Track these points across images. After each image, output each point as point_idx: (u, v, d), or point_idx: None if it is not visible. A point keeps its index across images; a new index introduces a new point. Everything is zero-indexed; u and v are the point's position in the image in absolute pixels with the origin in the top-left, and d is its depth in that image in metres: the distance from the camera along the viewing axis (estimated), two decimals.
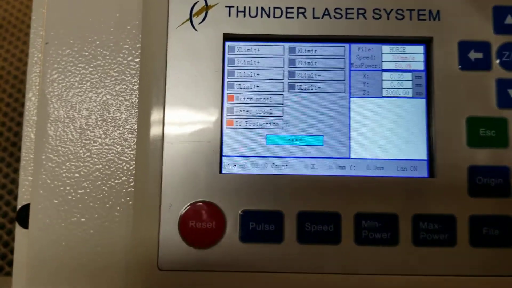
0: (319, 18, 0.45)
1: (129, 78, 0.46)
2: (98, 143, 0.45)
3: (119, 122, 0.45)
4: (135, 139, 0.44)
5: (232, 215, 0.42)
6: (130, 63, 0.46)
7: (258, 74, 0.45)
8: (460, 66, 0.44)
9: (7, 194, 0.71)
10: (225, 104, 0.44)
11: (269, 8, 0.45)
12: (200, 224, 0.42)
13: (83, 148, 0.45)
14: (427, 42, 0.45)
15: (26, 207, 0.45)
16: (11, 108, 0.75)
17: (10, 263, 0.70)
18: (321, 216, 0.43)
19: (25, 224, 0.44)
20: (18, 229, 0.45)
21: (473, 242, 0.43)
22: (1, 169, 0.72)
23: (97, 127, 0.45)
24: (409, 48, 0.46)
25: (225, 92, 0.45)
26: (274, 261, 0.42)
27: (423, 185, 0.43)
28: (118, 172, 0.45)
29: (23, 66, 0.75)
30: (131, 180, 0.44)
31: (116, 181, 0.45)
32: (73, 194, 0.44)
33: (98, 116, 0.45)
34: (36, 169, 0.44)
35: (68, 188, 0.44)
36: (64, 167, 0.44)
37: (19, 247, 0.45)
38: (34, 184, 0.44)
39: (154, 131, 0.43)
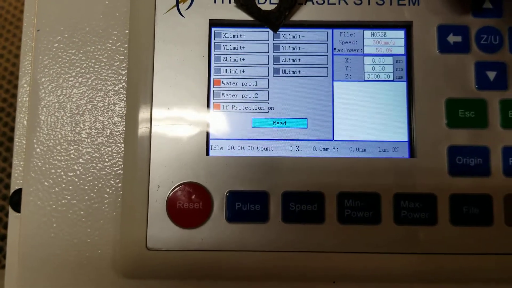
0: (302, 3, 0.44)
1: (118, 63, 0.45)
2: (87, 126, 0.44)
3: (108, 106, 0.44)
4: (124, 122, 0.43)
5: (218, 196, 0.41)
6: (119, 48, 0.45)
7: (243, 59, 0.44)
8: (439, 50, 0.43)
9: (4, 188, 0.70)
10: (212, 88, 0.43)
11: None
12: (188, 204, 0.41)
13: (73, 132, 0.44)
14: (407, 27, 0.44)
15: (19, 192, 0.43)
16: (7, 103, 0.74)
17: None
18: (305, 196, 0.42)
19: (17, 208, 0.43)
20: (11, 213, 0.44)
21: (454, 220, 0.42)
22: None
23: (87, 111, 0.44)
24: (390, 33, 0.45)
25: (212, 76, 0.44)
26: (259, 240, 0.41)
27: (404, 165, 0.42)
28: (107, 155, 0.44)
29: (19, 62, 0.74)
30: (120, 162, 0.43)
31: (106, 163, 0.44)
32: (64, 176, 0.43)
33: (87, 101, 0.44)
34: (28, 153, 0.43)
35: (59, 171, 0.43)
36: (55, 150, 0.43)
37: (12, 231, 0.44)
38: (26, 167, 0.43)
39: (142, 114, 0.42)
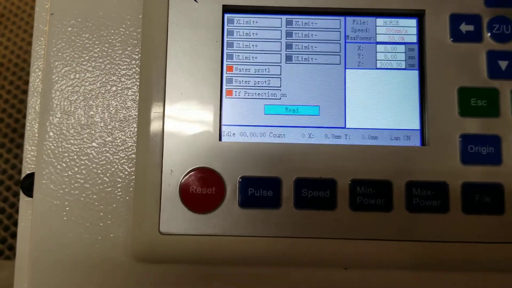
0: None
1: (131, 48, 0.44)
2: (100, 111, 0.43)
3: (121, 90, 0.43)
4: (137, 107, 0.42)
5: (231, 182, 0.41)
6: (132, 33, 0.44)
7: (256, 46, 0.43)
8: (452, 39, 0.43)
9: (8, 179, 0.70)
10: (225, 75, 0.43)
11: None
12: (201, 189, 0.40)
13: (86, 116, 0.43)
14: (419, 15, 0.44)
15: (30, 176, 0.42)
16: (12, 95, 0.73)
17: (10, 248, 0.68)
18: (318, 182, 0.41)
19: (29, 193, 0.42)
20: (22, 198, 0.43)
21: (466, 209, 0.41)
22: (2, 155, 0.71)
23: (100, 96, 0.43)
24: (402, 21, 0.44)
25: (225, 62, 0.43)
26: (271, 226, 0.40)
27: (416, 153, 0.41)
28: (120, 139, 0.43)
29: (23, 54, 0.73)
30: (133, 147, 0.42)
31: (119, 147, 0.43)
32: (77, 160, 0.42)
33: (101, 85, 0.43)
34: (41, 136, 0.42)
35: (72, 154, 0.42)
36: (68, 134, 0.43)
37: (23, 216, 0.43)
38: (39, 150, 0.42)
39: (155, 99, 0.41)
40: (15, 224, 0.71)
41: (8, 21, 0.76)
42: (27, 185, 0.43)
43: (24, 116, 0.70)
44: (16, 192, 0.72)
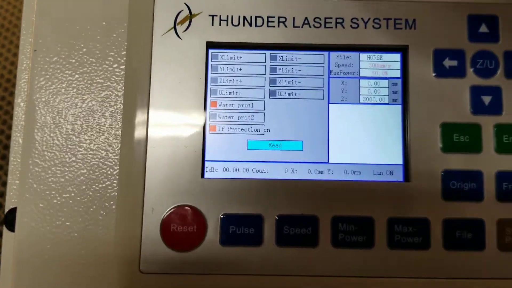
0: (299, 27, 0.43)
1: (114, 84, 0.44)
2: (83, 148, 0.43)
3: (104, 127, 0.43)
4: (119, 144, 0.42)
5: (213, 219, 0.41)
6: (116, 70, 0.44)
7: (240, 81, 0.43)
8: (435, 74, 0.43)
9: None
10: (208, 110, 0.43)
11: (251, 17, 0.44)
12: (182, 227, 0.41)
13: (69, 153, 0.43)
14: (403, 50, 0.44)
15: (14, 210, 0.43)
16: (3, 111, 0.72)
17: None
18: (300, 219, 0.41)
19: (12, 227, 0.42)
20: (6, 232, 0.43)
21: (447, 245, 0.41)
22: None
23: (83, 133, 0.43)
24: (386, 56, 0.44)
25: (208, 98, 0.43)
26: (253, 263, 0.41)
27: (399, 189, 0.42)
28: (102, 176, 0.43)
29: (15, 70, 0.73)
30: (114, 184, 0.42)
31: (100, 185, 0.43)
32: (58, 198, 0.42)
33: (83, 122, 0.43)
34: (23, 173, 0.42)
35: (53, 192, 0.42)
36: (50, 171, 0.43)
37: (6, 250, 0.43)
38: (21, 188, 0.42)
39: (138, 135, 0.41)
40: None
41: (0, 35, 0.76)
42: (10, 220, 0.43)
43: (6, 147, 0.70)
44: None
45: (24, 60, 0.46)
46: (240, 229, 0.41)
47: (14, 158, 0.45)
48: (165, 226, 0.41)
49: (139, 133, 0.42)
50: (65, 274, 0.42)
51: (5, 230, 0.44)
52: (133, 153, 0.41)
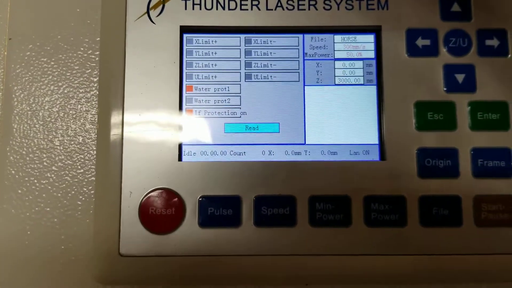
0: (272, 9, 0.44)
1: (89, 71, 0.44)
2: (60, 134, 0.44)
3: (80, 113, 0.44)
4: (96, 130, 0.42)
5: (191, 202, 0.41)
6: (90, 56, 0.44)
7: (215, 65, 0.44)
8: (408, 53, 0.43)
9: None
10: (184, 94, 0.43)
11: (224, 0, 0.44)
12: (160, 210, 0.41)
13: (46, 140, 0.43)
14: (376, 31, 0.44)
15: None
16: None
17: None
18: (277, 199, 0.41)
19: None
20: None
21: (424, 221, 0.42)
22: None
23: (59, 119, 0.44)
24: (360, 37, 0.45)
25: (184, 82, 0.43)
26: (232, 244, 0.41)
27: (375, 168, 0.42)
28: (80, 162, 0.43)
29: None
30: (92, 169, 0.43)
31: (78, 171, 0.43)
32: (37, 184, 0.43)
33: (60, 108, 0.44)
34: (1, 161, 0.43)
35: (32, 178, 0.43)
36: (28, 158, 0.43)
37: None
38: (0, 175, 0.42)
39: (114, 120, 0.42)
40: None
41: None
42: None
43: None
44: None
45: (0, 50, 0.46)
46: (219, 210, 0.42)
47: None
48: (144, 209, 0.41)
49: (115, 118, 0.42)
50: (45, 259, 0.43)
51: None
52: (110, 138, 0.42)
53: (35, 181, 0.43)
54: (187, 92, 0.43)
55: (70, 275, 0.42)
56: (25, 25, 0.45)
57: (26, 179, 0.43)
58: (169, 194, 0.41)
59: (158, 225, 0.41)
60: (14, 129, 0.44)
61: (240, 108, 0.44)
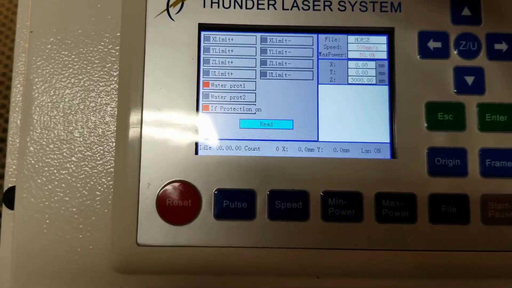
0: (288, 9, 0.45)
1: (109, 65, 0.46)
2: (80, 126, 0.45)
3: (99, 106, 0.45)
4: (115, 122, 0.44)
5: (207, 194, 0.43)
6: (111, 51, 0.46)
7: (232, 62, 0.45)
8: (420, 55, 0.45)
9: None
10: (201, 90, 0.44)
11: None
12: (177, 202, 0.42)
13: (66, 131, 0.45)
14: (389, 33, 0.46)
15: (12, 189, 0.44)
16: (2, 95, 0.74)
17: None
18: (291, 194, 0.43)
19: (11, 205, 0.44)
20: (5, 210, 0.45)
21: (433, 219, 0.43)
22: None
23: (79, 111, 0.45)
24: (373, 38, 0.46)
25: (201, 78, 0.45)
26: (246, 237, 0.42)
27: (386, 166, 0.44)
28: (99, 153, 0.45)
29: (11, 64, 0.74)
30: (111, 161, 0.44)
31: (97, 162, 0.45)
32: (57, 174, 0.44)
33: (80, 101, 0.45)
34: (22, 151, 0.44)
35: (51, 169, 0.44)
36: (47, 149, 0.44)
37: (5, 228, 0.45)
38: (20, 165, 0.44)
39: (133, 115, 0.43)
40: None
41: None
42: (10, 198, 0.45)
43: (5, 130, 0.71)
44: None
45: (20, 43, 0.47)
46: (234, 203, 0.43)
47: (12, 139, 0.46)
48: (161, 200, 0.43)
49: (134, 111, 0.43)
50: (63, 247, 0.44)
51: (4, 209, 0.45)
52: (129, 131, 0.43)
53: (55, 171, 0.44)
54: (204, 88, 0.45)
55: (88, 264, 0.43)
56: (46, 19, 0.46)
57: (46, 169, 0.44)
58: (186, 186, 0.43)
59: (175, 216, 0.42)
60: (35, 120, 0.45)
61: (255, 104, 0.45)
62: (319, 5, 0.46)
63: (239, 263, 0.43)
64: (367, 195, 0.43)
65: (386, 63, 0.46)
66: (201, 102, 0.45)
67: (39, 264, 0.44)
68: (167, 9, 0.45)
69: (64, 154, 0.45)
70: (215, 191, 0.43)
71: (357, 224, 0.43)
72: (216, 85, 0.45)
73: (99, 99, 0.45)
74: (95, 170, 0.45)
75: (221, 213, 0.43)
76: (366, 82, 0.45)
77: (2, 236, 0.45)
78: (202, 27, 0.45)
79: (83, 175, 0.44)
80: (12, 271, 0.44)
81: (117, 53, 0.46)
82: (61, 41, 0.46)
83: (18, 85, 0.46)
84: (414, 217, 0.43)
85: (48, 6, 0.46)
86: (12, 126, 0.46)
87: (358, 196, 0.43)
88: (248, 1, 0.46)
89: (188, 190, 0.43)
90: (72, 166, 0.45)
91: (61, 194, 0.44)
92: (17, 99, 0.47)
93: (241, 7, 0.46)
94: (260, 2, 0.46)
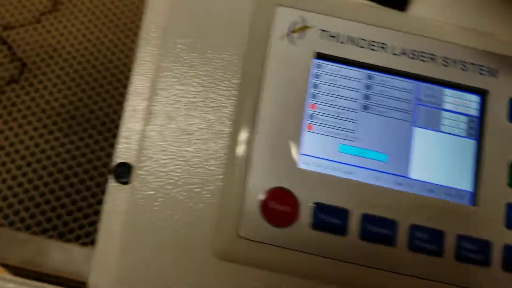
0: (397, 54, 0.50)
1: (231, 73, 0.49)
2: (198, 121, 0.48)
3: (218, 107, 0.49)
4: (231, 124, 0.47)
5: (305, 204, 0.46)
6: (234, 61, 0.50)
7: (338, 91, 0.49)
8: (508, 119, 0.49)
9: (82, 172, 0.73)
10: (308, 111, 0.48)
11: (357, 38, 0.50)
12: (278, 205, 0.45)
13: (186, 123, 0.48)
14: (483, 94, 0.50)
15: (123, 165, 0.47)
16: (109, 95, 0.77)
17: (87, 234, 0.71)
18: (382, 221, 0.46)
19: (121, 180, 0.47)
20: (113, 184, 0.47)
21: (505, 267, 0.46)
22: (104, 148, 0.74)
23: (199, 108, 0.49)
24: (468, 96, 0.50)
25: (309, 100, 0.48)
26: (338, 250, 0.45)
27: (467, 211, 0.47)
28: (213, 149, 0.48)
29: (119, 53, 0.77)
30: (223, 157, 0.47)
31: (211, 156, 0.48)
32: (173, 159, 0.47)
33: (201, 99, 0.49)
34: (145, 133, 0.47)
35: (170, 153, 0.47)
36: (168, 135, 0.48)
37: (111, 201, 0.47)
38: (141, 145, 0.47)
39: (247, 124, 0.46)
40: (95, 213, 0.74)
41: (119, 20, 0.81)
42: (119, 173, 0.47)
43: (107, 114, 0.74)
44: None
45: (147, 37, 0.51)
46: (329, 218, 0.46)
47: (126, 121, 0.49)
48: (265, 202, 0.46)
49: (247, 122, 0.47)
50: (170, 226, 0.46)
51: (112, 183, 0.48)
52: (242, 136, 0.47)
53: (172, 156, 0.47)
54: (310, 109, 0.48)
55: (190, 245, 0.46)
56: (182, 22, 0.50)
57: (165, 152, 0.47)
58: (288, 193, 0.46)
59: (275, 218, 0.45)
60: (159, 109, 0.48)
61: (354, 133, 0.48)
62: (425, 57, 0.50)
63: (326, 273, 0.45)
64: (449, 234, 0.46)
65: (476, 120, 0.50)
66: (306, 121, 0.48)
67: (148, 235, 0.46)
68: (290, 34, 0.49)
69: (182, 142, 0.47)
70: (313, 203, 0.46)
71: (437, 258, 0.46)
72: (322, 108, 0.49)
73: (219, 101, 0.49)
74: (207, 163, 0.47)
75: (317, 224, 0.46)
76: (456, 133, 0.49)
77: (106, 208, 0.47)
78: (318, 55, 0.49)
79: (197, 165, 0.47)
80: (123, 237, 0.46)
81: (239, 64, 0.49)
82: (192, 44, 0.50)
83: (139, 74, 0.50)
84: (489, 261, 0.46)
85: (185, 11, 0.51)
86: (128, 109, 0.49)
87: (441, 234, 0.46)
88: (362, 41, 0.50)
89: (289, 197, 0.46)
90: (188, 155, 0.47)
91: (176, 178, 0.47)
92: (137, 86, 0.50)
93: (355, 44, 0.50)
94: (372, 43, 0.50)
